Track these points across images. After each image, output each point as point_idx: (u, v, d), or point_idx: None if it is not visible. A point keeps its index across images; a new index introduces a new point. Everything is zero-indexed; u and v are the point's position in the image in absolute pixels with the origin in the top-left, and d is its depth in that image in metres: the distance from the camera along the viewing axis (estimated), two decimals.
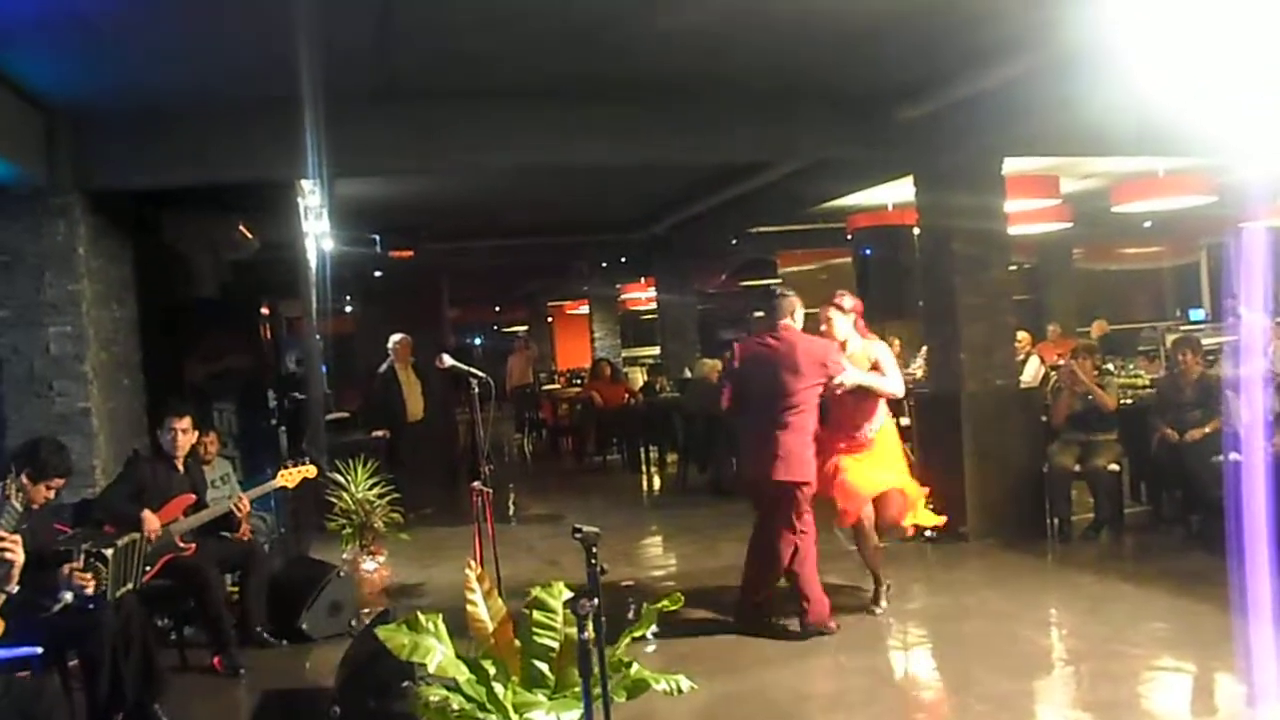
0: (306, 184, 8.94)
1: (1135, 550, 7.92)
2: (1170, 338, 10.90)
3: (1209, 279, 18.71)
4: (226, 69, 6.42)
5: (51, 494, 5.15)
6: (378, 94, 7.23)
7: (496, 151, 7.89)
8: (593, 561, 3.13)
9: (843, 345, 6.39)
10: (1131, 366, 11.41)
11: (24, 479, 4.98)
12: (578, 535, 3.18)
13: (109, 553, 5.13)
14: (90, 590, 4.89)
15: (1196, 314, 17.62)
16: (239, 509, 6.46)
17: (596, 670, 3.17)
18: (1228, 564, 5.78)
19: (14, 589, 4.23)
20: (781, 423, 5.93)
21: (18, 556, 4.20)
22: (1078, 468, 8.08)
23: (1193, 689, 5.22)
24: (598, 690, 3.26)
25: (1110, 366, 10.40)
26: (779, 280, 18.52)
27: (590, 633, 3.08)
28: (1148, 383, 9.74)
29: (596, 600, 3.07)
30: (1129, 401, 8.82)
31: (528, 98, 7.51)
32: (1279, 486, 6.46)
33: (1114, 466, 8.09)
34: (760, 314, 6.57)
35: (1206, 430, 7.66)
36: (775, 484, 5.98)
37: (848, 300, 6.55)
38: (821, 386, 6.04)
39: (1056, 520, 8.17)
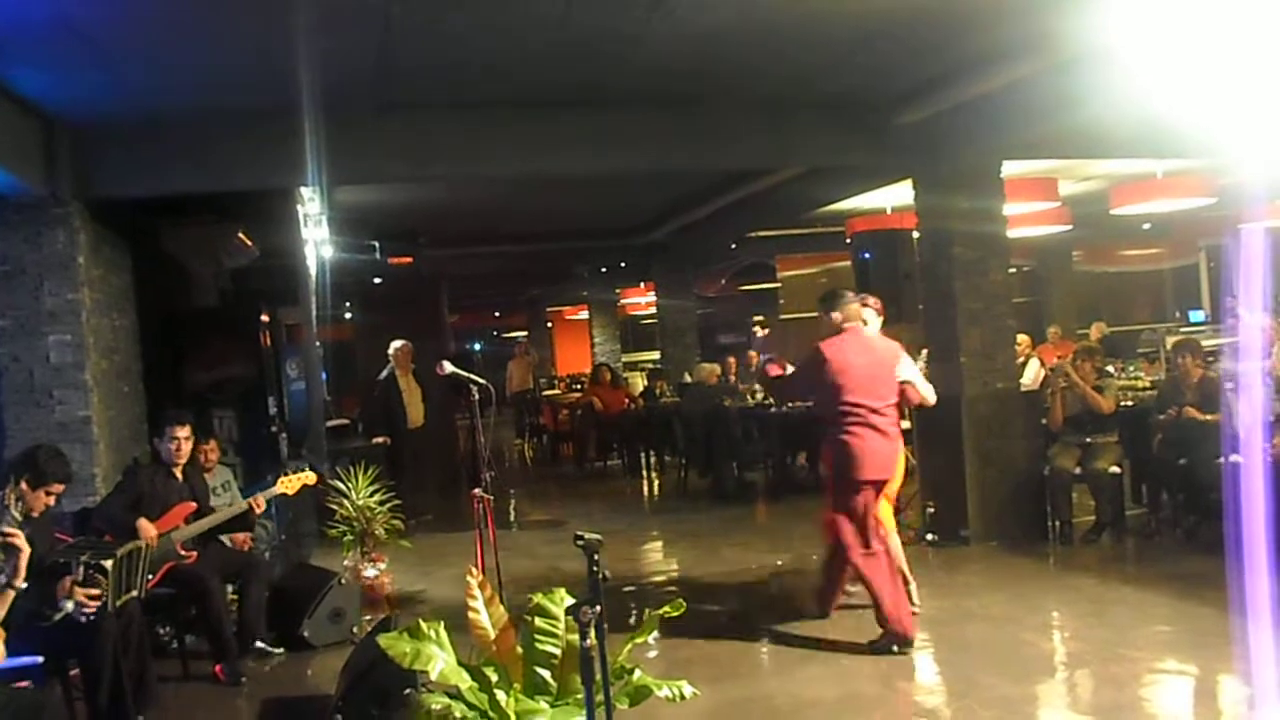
0: (306, 191, 8.94)
1: (1137, 553, 7.92)
2: (1170, 339, 10.90)
3: (1209, 280, 18.69)
4: (226, 79, 6.42)
5: (51, 500, 5.13)
6: (377, 102, 7.23)
7: (495, 160, 7.89)
8: (595, 569, 3.12)
9: None
10: (1132, 368, 11.42)
11: (23, 486, 4.97)
12: (580, 543, 3.18)
13: (108, 564, 5.11)
14: (92, 606, 4.88)
15: (1196, 315, 17.58)
16: (256, 508, 6.57)
17: (599, 677, 3.16)
18: (1229, 566, 5.78)
19: (22, 584, 4.23)
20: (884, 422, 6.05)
21: (24, 547, 4.20)
22: (1078, 470, 8.08)
23: (1195, 692, 5.21)
24: (600, 697, 3.25)
25: (1110, 369, 10.40)
26: (778, 284, 18.54)
27: (592, 640, 3.07)
28: (1148, 384, 9.74)
29: (599, 607, 3.06)
30: (1130, 404, 8.82)
31: (527, 106, 7.51)
32: (1279, 488, 6.47)
33: (1115, 469, 8.08)
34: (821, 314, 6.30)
35: (1207, 417, 7.65)
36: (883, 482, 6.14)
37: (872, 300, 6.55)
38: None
39: (1058, 523, 8.17)
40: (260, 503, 6.62)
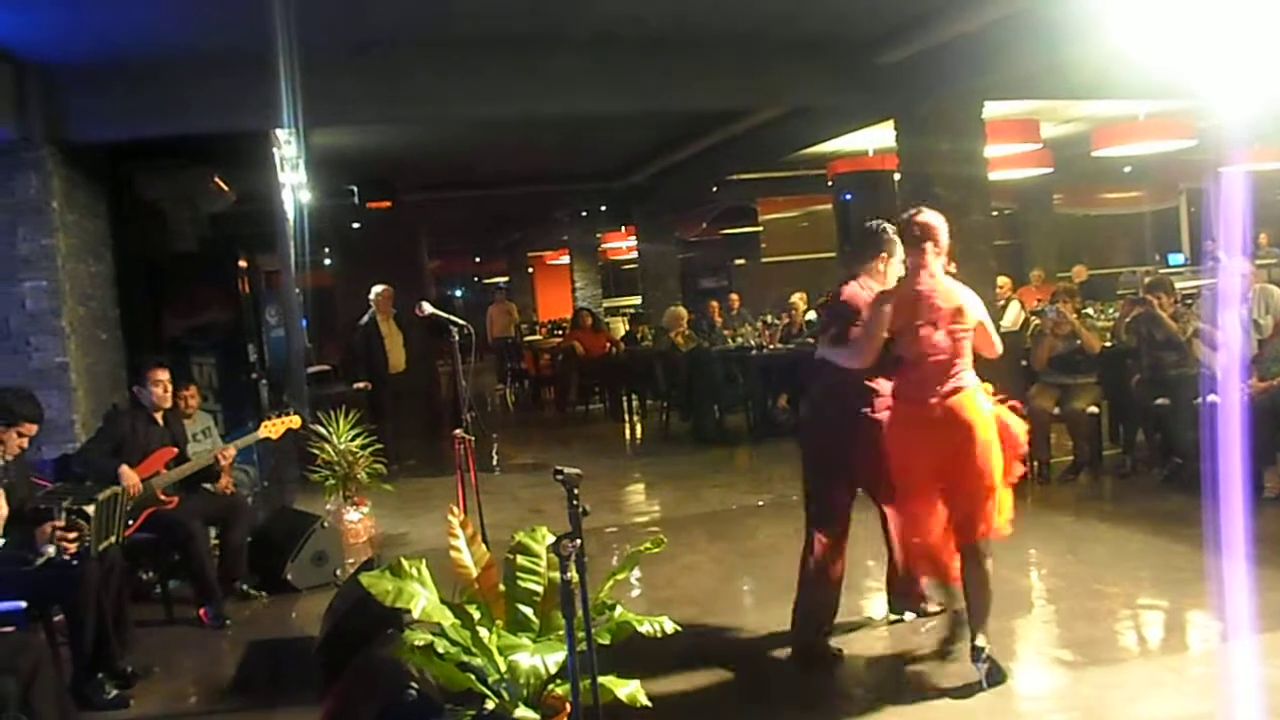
0: (282, 135, 8.85)
1: (1113, 492, 7.99)
2: (1147, 280, 10.94)
3: (1188, 223, 18.75)
4: (200, 20, 6.34)
5: (25, 442, 5.10)
6: (353, 43, 7.14)
7: (471, 102, 7.81)
8: (574, 503, 3.13)
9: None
10: (1111, 310, 11.45)
11: None
12: (559, 477, 3.18)
13: (90, 509, 5.10)
14: (73, 549, 4.87)
15: (1176, 259, 17.64)
16: (222, 458, 6.47)
17: (580, 611, 3.17)
18: (1203, 504, 5.85)
19: None
20: None
21: (2, 510, 4.19)
22: (1056, 410, 8.13)
23: (1168, 625, 5.29)
24: (581, 632, 3.27)
25: (1090, 310, 10.43)
26: (760, 228, 18.46)
27: (573, 574, 3.08)
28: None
29: (579, 541, 3.07)
30: (1109, 344, 8.86)
31: (502, 47, 7.42)
32: (1253, 429, 6.54)
33: (1093, 409, 8.14)
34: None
35: (1173, 324, 7.79)
36: None
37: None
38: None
39: (1035, 463, 8.20)
40: (228, 454, 6.53)
